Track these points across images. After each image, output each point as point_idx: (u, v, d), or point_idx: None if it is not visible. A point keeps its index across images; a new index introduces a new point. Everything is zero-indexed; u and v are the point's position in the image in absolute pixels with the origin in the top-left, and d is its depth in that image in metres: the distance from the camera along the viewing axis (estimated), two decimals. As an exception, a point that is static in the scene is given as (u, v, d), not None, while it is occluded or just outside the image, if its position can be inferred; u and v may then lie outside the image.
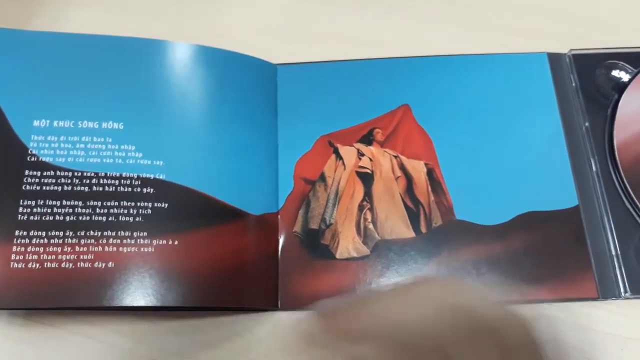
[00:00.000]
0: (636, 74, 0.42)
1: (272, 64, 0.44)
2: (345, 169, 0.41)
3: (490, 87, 0.43)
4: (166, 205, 0.36)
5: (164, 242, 0.35)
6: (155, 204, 0.36)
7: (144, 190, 0.37)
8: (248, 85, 0.42)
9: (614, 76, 0.43)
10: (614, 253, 0.37)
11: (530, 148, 0.41)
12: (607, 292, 0.36)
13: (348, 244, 0.39)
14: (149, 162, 0.37)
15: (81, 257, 0.34)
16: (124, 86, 0.40)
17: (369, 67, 0.44)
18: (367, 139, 0.42)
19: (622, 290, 0.36)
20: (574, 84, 0.43)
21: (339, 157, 0.41)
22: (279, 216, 0.39)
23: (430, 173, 0.40)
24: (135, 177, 0.37)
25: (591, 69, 0.43)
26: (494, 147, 0.41)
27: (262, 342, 0.36)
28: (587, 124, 0.41)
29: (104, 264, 0.34)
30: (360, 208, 0.40)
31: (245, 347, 0.36)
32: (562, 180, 0.40)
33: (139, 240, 0.35)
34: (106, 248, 0.35)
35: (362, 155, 0.41)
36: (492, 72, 0.43)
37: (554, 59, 0.44)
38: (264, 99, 0.42)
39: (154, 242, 0.35)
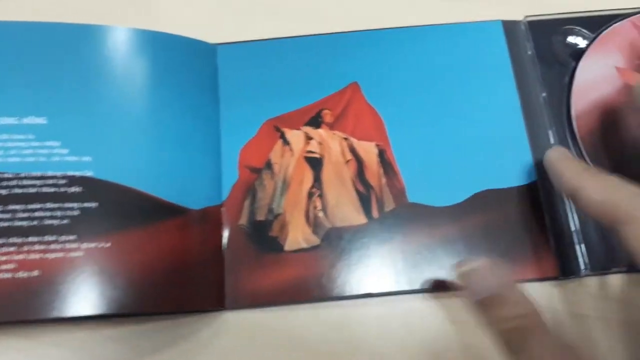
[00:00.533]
0: (593, 39, 0.40)
1: (211, 45, 0.41)
2: (293, 154, 0.38)
3: (442, 59, 0.40)
4: (96, 204, 0.34)
5: (95, 245, 0.33)
6: (84, 204, 0.34)
7: (71, 189, 0.34)
8: (185, 68, 0.39)
9: (570, 42, 0.41)
10: (573, 229, 0.36)
11: (486, 122, 0.39)
12: (567, 270, 0.35)
13: (297, 235, 0.36)
14: (76, 159, 0.35)
15: (1, 266, 0.32)
16: (47, 76, 0.36)
17: (314, 43, 0.41)
18: (316, 121, 0.39)
19: (582, 267, 0.35)
20: (530, 52, 0.41)
21: (286, 142, 0.39)
22: (222, 209, 0.37)
23: (381, 154, 0.38)
24: (61, 175, 0.34)
25: (548, 35, 0.41)
26: (447, 124, 0.39)
27: (209, 344, 0.34)
28: (544, 94, 0.39)
29: (27, 273, 0.32)
30: (310, 195, 0.37)
31: (192, 351, 0.34)
32: (520, 155, 0.38)
33: (66, 244, 0.33)
34: (30, 255, 0.32)
35: (311, 139, 0.39)
36: (444, 43, 0.41)
37: (509, 27, 0.41)
38: (203, 82, 0.39)
39: (84, 245, 0.33)
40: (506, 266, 0.34)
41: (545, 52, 0.40)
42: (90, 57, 0.37)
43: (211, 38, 0.41)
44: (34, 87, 0.36)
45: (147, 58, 0.38)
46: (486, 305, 0.29)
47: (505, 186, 0.37)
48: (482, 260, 0.30)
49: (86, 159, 0.35)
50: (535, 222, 0.36)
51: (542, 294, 0.35)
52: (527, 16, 0.41)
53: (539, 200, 0.37)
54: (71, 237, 0.33)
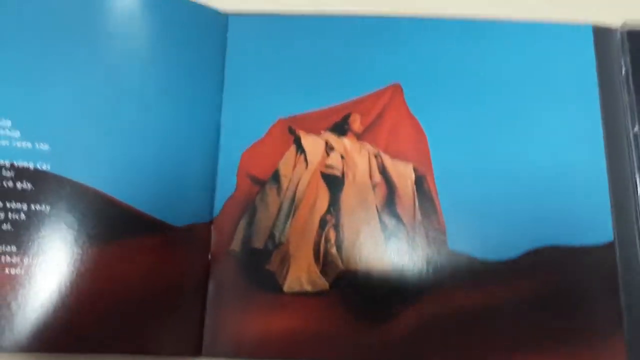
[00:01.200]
0: None
1: (221, 13, 0.32)
2: (307, 166, 0.30)
3: (511, 67, 0.32)
4: (48, 208, 0.26)
5: (40, 261, 0.25)
6: (33, 207, 0.26)
7: (19, 185, 0.26)
8: (185, 40, 0.30)
9: (679, 65, 0.32)
10: (655, 311, 0.28)
11: (557, 156, 0.30)
12: (640, 364, 0.27)
13: (301, 273, 0.29)
14: (29, 146, 0.27)
15: None
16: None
17: (351, 25, 0.32)
18: (341, 128, 0.31)
19: (661, 364, 0.27)
20: (624, 71, 0.32)
21: (300, 149, 0.31)
22: (212, 228, 0.29)
23: (419, 182, 0.30)
24: (8, 165, 0.26)
25: (650, 52, 0.32)
26: (508, 152, 0.30)
27: (174, 398, 0.27)
28: (636, 128, 0.31)
29: (-55, 293, 0.25)
30: (322, 224, 0.30)
31: (151, 403, 0.27)
32: (595, 206, 0.29)
33: (3, 257, 0.25)
34: (-48, 269, 0.25)
35: (331, 149, 0.31)
36: (515, 45, 0.32)
37: (601, 35, 0.32)
38: (206, 63, 0.31)
39: (25, 260, 0.25)
40: None
41: (644, 73, 0.31)
42: (53, 12, 0.28)
43: (222, 3, 0.32)
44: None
45: (135, 23, 0.29)
46: None
47: (573, 244, 0.29)
48: None
49: (42, 146, 0.27)
50: (606, 294, 0.28)
51: (605, 392, 0.27)
52: (626, 22, 0.32)
53: (614, 267, 0.28)
54: (10, 248, 0.25)
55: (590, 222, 0.29)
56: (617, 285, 0.28)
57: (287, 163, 0.31)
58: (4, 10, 0.28)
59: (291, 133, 0.31)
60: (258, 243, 0.29)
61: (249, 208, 0.30)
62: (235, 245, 0.29)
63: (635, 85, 0.31)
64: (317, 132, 0.31)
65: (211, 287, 0.28)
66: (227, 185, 0.30)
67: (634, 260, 0.29)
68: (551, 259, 0.28)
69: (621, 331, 0.27)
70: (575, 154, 0.30)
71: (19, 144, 0.27)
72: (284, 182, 0.30)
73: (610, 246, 0.29)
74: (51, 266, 0.25)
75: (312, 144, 0.31)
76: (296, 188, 0.30)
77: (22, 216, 0.26)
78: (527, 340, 0.27)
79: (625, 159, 0.30)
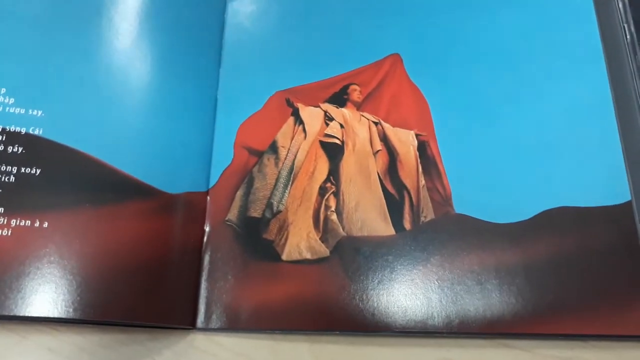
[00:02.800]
0: None
1: (219, -5, 0.33)
2: (306, 137, 0.30)
3: (512, 33, 0.31)
4: (38, 171, 0.26)
5: (27, 222, 0.25)
6: (23, 169, 0.26)
7: (10, 149, 0.26)
8: (183, 15, 0.31)
9: (685, 27, 0.31)
10: (682, 272, 0.26)
11: (566, 118, 0.29)
12: (672, 329, 0.25)
13: (300, 241, 0.27)
14: (22, 111, 0.27)
15: None
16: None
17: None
18: (340, 99, 0.31)
19: (694, 328, 0.25)
20: (628, 37, 0.31)
21: (298, 121, 0.30)
22: (208, 197, 0.28)
23: (422, 147, 0.29)
24: (0, 129, 0.26)
25: (654, 16, 0.31)
26: (514, 115, 0.29)
27: (165, 374, 0.25)
28: (646, 89, 0.29)
29: None
30: (322, 191, 0.28)
31: (141, 380, 0.25)
32: (609, 165, 0.28)
33: (-11, 219, 0.24)
34: (-63, 228, 0.24)
35: (331, 119, 0.30)
36: (516, 12, 0.31)
37: (601, 3, 0.32)
38: (204, 37, 0.31)
39: (13, 222, 0.24)
40: None
41: (650, 37, 0.31)
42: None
43: (221, -13, 0.33)
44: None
45: None
46: None
47: (587, 204, 0.27)
48: None
49: (36, 112, 0.27)
50: (627, 256, 0.26)
51: (634, 359, 0.25)
52: (627, -9, 0.32)
53: (633, 226, 0.27)
54: (-2, 210, 0.25)
55: (606, 182, 0.27)
56: (639, 244, 0.26)
57: (285, 134, 0.30)
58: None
59: (289, 105, 0.30)
60: (255, 212, 0.28)
61: (246, 178, 0.29)
62: (232, 214, 0.28)
63: (641, 49, 0.30)
64: (315, 104, 0.30)
65: (206, 257, 0.27)
66: (224, 156, 0.29)
67: (655, 219, 0.27)
68: (567, 220, 0.27)
69: (647, 293, 0.25)
70: (586, 114, 0.29)
71: (12, 110, 0.26)
72: (282, 153, 0.29)
73: (628, 205, 0.27)
74: (37, 229, 0.24)
75: (311, 114, 0.30)
76: (294, 157, 0.29)
77: (12, 179, 0.25)
78: (544, 303, 0.25)
79: (636, 119, 0.29)
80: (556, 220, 0.27)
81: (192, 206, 0.28)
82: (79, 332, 0.26)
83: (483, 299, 0.26)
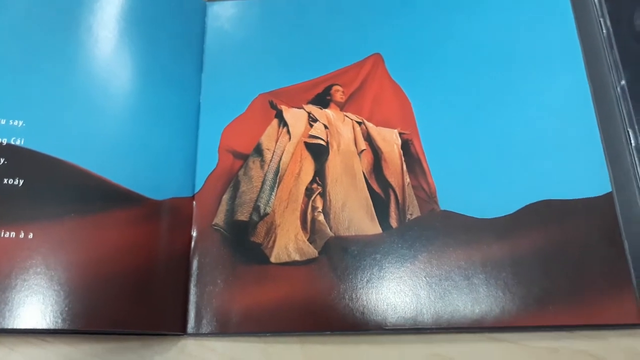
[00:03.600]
0: (690, 17, 0.31)
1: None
2: (290, 139, 0.30)
3: (493, 33, 0.31)
4: (21, 182, 0.25)
5: (12, 234, 0.24)
6: (5, 180, 0.25)
7: (-8, 160, 0.26)
8: (165, 23, 0.30)
9: (659, 20, 0.31)
10: (662, 260, 0.26)
11: (545, 115, 0.29)
12: (654, 316, 0.25)
13: (288, 243, 0.27)
14: (3, 122, 0.26)
15: None
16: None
17: (328, 0, 0.33)
18: (323, 100, 0.31)
19: (676, 314, 0.25)
20: (604, 31, 0.32)
21: (282, 122, 0.30)
22: (194, 202, 0.28)
23: (406, 145, 0.29)
24: (-19, 141, 0.26)
25: (629, 9, 0.32)
26: (496, 112, 0.30)
27: (157, 381, 0.25)
28: (622, 82, 0.30)
29: None
30: (309, 192, 0.28)
31: (133, 388, 0.25)
32: (590, 159, 0.28)
33: (-27, 232, 0.24)
34: None
35: (315, 120, 0.30)
36: (496, 12, 0.32)
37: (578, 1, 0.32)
38: (186, 43, 0.31)
39: (-4, 235, 0.24)
40: None
41: (625, 30, 0.31)
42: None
43: (201, -9, 0.33)
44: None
45: (117, 6, 0.29)
46: None
47: (570, 197, 0.28)
48: None
49: (16, 123, 0.26)
50: (609, 246, 0.27)
51: (620, 347, 0.25)
52: (601, -14, 0.32)
53: (615, 217, 0.27)
54: (-19, 223, 0.24)
55: (587, 175, 0.28)
56: (621, 235, 0.27)
57: (269, 136, 0.30)
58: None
59: (272, 107, 0.30)
60: (242, 216, 0.28)
61: (231, 182, 0.29)
62: (219, 219, 0.28)
63: (618, 43, 0.31)
64: (299, 105, 0.31)
65: (194, 262, 0.27)
66: (208, 160, 0.29)
67: (635, 209, 0.27)
68: (550, 213, 0.27)
69: (629, 280, 0.26)
70: (565, 109, 0.29)
71: (-7, 121, 0.26)
72: (267, 155, 0.29)
73: (608, 197, 0.27)
74: (22, 240, 0.24)
75: (295, 116, 0.30)
76: (280, 159, 0.29)
77: (-6, 190, 0.25)
78: (529, 296, 0.26)
79: (615, 112, 0.30)
80: (540, 214, 0.27)
81: (179, 212, 0.28)
82: (69, 343, 0.26)
83: (471, 294, 0.26)
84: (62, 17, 0.28)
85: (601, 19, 0.32)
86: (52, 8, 0.28)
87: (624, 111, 0.30)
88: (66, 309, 0.23)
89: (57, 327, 0.23)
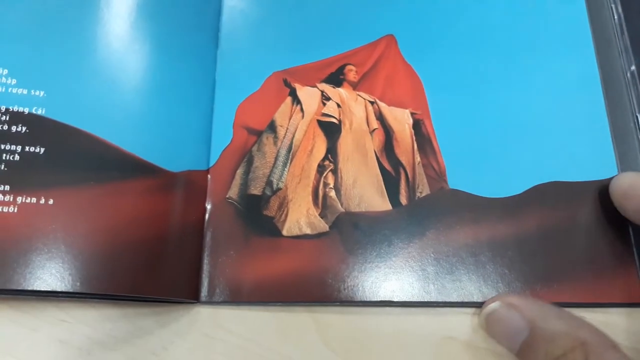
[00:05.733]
0: (701, 5, 0.31)
1: (216, -23, 0.33)
2: (303, 116, 0.30)
3: (503, 16, 0.32)
4: (42, 150, 0.26)
5: (33, 199, 0.25)
6: (27, 148, 0.26)
7: (14, 128, 0.26)
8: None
9: (670, 7, 0.32)
10: (666, 242, 0.27)
11: (554, 98, 0.30)
12: (657, 295, 0.26)
13: (300, 217, 0.28)
14: (25, 92, 0.27)
15: None
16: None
17: (343, -16, 0.33)
18: (336, 79, 0.31)
19: (678, 294, 0.26)
20: (616, 17, 0.32)
21: (296, 100, 0.31)
22: (209, 176, 0.29)
23: (417, 125, 0.30)
24: (3, 110, 0.26)
25: (640, -3, 0.32)
26: (506, 94, 0.30)
27: (170, 345, 0.26)
28: (633, 67, 0.30)
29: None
30: (320, 169, 0.29)
31: (150, 349, 0.26)
32: (598, 141, 0.29)
33: (-4, 196, 0.25)
34: (-56, 205, 0.25)
35: (328, 99, 0.31)
36: (508, -3, 0.32)
37: (591, -15, 0.33)
38: (201, 16, 0.32)
39: (19, 199, 0.25)
40: (529, 298, 0.26)
41: (636, 16, 0.32)
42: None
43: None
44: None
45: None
46: (529, 351, 0.23)
47: (577, 179, 0.28)
48: (498, 300, 0.25)
49: (38, 93, 0.27)
50: (615, 228, 0.27)
51: (624, 325, 0.26)
52: (615, -28, 0.33)
53: (621, 200, 0.28)
54: (4, 188, 0.25)
55: (594, 158, 0.29)
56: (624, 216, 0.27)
57: (283, 114, 0.30)
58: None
59: (286, 85, 0.31)
60: (255, 190, 0.29)
61: (245, 157, 0.29)
62: (233, 192, 0.29)
63: (629, 29, 0.31)
64: (312, 84, 0.31)
65: (208, 233, 0.28)
66: (223, 135, 0.30)
67: (640, 192, 0.28)
68: (557, 194, 0.28)
69: (632, 260, 0.26)
70: (574, 93, 0.30)
71: (14, 90, 0.27)
72: (281, 132, 0.30)
73: (615, 180, 0.28)
74: (43, 206, 0.25)
75: (308, 94, 0.31)
76: (293, 136, 0.30)
77: (17, 157, 0.26)
78: (534, 273, 0.26)
79: (624, 97, 0.30)
80: (547, 194, 0.28)
81: (194, 184, 0.28)
82: (83, 307, 0.27)
83: (477, 271, 0.27)
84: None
85: (613, 5, 0.32)
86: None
87: (634, 96, 0.30)
88: (84, 273, 0.24)
89: (75, 290, 0.24)
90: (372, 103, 0.30)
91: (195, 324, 0.27)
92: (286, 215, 0.28)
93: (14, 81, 0.27)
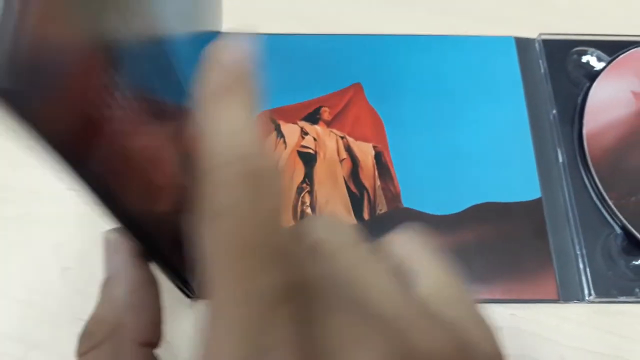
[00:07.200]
0: (610, 62, 0.39)
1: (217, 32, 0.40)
2: (286, 147, 0.37)
3: (451, 69, 0.39)
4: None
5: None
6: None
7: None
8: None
9: (585, 63, 0.39)
10: (578, 252, 0.33)
11: (491, 134, 0.37)
12: (569, 294, 0.32)
13: (281, 229, 0.34)
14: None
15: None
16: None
17: (321, 42, 0.40)
18: (313, 118, 0.38)
19: (586, 292, 0.32)
20: (542, 70, 0.39)
21: (280, 134, 0.37)
22: (206, 195, 0.35)
23: (378, 157, 0.36)
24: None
25: (561, 55, 0.39)
26: (451, 132, 0.37)
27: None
28: (554, 111, 0.37)
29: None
30: (299, 190, 0.35)
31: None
32: (524, 170, 0.36)
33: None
34: None
35: (306, 134, 0.37)
36: (454, 54, 0.40)
37: (522, 44, 0.40)
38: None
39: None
40: None
41: (559, 71, 0.39)
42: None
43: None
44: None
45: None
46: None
47: (507, 200, 0.35)
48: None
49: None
50: (537, 240, 0.33)
51: (533, 319, 0.32)
52: (541, 34, 0.40)
53: (542, 217, 0.34)
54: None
55: (521, 183, 0.35)
56: (546, 231, 0.33)
57: (269, 145, 0.37)
58: None
59: (272, 122, 0.38)
60: (245, 207, 0.35)
61: (237, 181, 0.36)
62: (226, 209, 0.35)
63: (552, 80, 0.39)
64: (293, 121, 0.38)
65: (205, 242, 0.34)
66: (219, 163, 0.36)
67: (559, 211, 0.34)
68: (491, 212, 0.34)
69: (551, 266, 0.33)
70: (507, 131, 0.37)
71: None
72: (267, 160, 0.36)
73: (538, 201, 0.34)
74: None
75: (290, 130, 0.37)
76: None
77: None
78: (472, 277, 0.32)
79: (547, 134, 0.37)
80: (482, 212, 0.34)
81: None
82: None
83: (425, 274, 0.32)
84: None
85: (540, 61, 0.39)
86: None
87: (554, 134, 0.37)
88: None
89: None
90: (342, 138, 0.37)
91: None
92: (270, 228, 0.34)
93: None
